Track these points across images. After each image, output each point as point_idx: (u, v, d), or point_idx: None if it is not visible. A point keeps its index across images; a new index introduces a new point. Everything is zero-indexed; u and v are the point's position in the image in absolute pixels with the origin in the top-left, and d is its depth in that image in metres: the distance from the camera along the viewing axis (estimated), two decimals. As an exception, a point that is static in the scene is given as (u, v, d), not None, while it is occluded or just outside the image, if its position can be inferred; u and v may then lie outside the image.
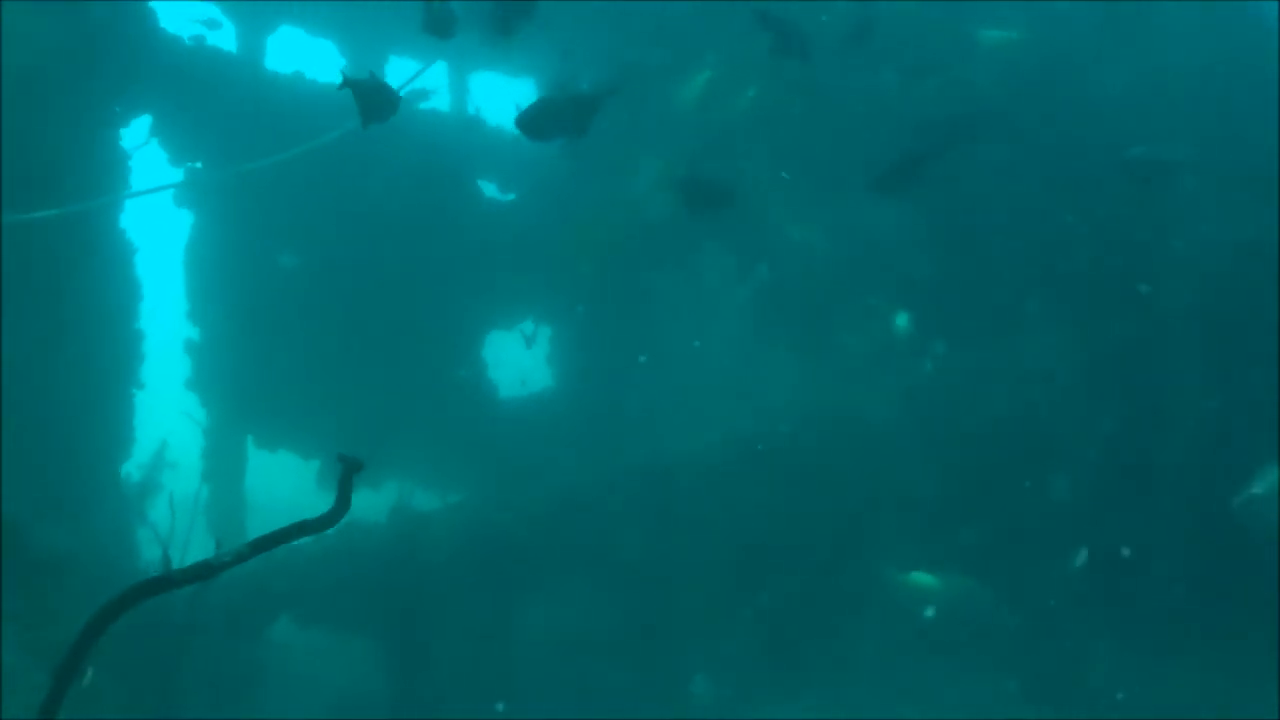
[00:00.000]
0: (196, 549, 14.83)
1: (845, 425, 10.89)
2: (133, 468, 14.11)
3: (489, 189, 13.73)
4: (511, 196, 14.11)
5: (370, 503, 15.42)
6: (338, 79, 7.96)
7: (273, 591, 10.28)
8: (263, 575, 9.94)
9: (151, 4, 12.26)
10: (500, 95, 15.02)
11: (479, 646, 10.56)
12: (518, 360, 15.32)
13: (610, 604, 10.74)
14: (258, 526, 17.67)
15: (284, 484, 19.44)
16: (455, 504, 11.37)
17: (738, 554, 10.65)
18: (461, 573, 10.43)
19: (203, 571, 3.12)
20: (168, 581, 3.10)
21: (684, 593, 10.57)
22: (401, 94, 8.30)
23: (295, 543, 11.00)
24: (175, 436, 14.95)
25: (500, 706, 10.18)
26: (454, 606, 10.44)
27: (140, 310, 12.82)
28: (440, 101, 14.92)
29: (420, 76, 12.75)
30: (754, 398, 12.41)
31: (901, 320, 12.26)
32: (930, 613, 10.25)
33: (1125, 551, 10.35)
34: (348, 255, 13.16)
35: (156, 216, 12.39)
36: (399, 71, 13.99)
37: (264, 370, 13.57)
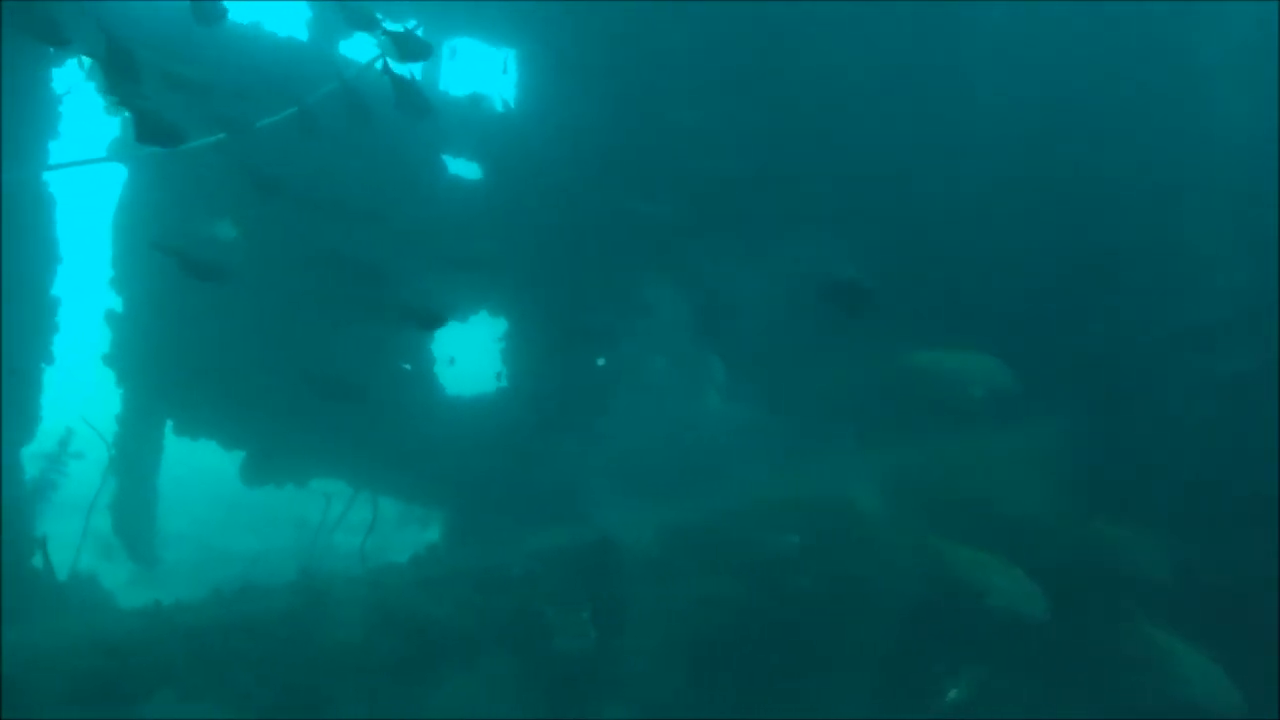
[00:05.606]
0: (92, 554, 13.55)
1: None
2: (34, 455, 12.87)
3: (455, 166, 12.77)
4: (479, 176, 13.14)
5: (294, 497, 14.31)
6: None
7: (153, 661, 8.98)
8: (144, 641, 8.77)
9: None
10: (479, 63, 14.13)
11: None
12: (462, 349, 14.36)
13: (536, 697, 9.74)
14: (172, 527, 16.13)
15: (201, 479, 18.14)
16: (369, 573, 10.31)
17: (687, 649, 9.82)
18: (370, 652, 9.36)
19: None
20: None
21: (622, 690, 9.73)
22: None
23: (185, 604, 9.53)
24: (84, 423, 13.69)
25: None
26: (359, 689, 9.35)
27: (57, 275, 11.83)
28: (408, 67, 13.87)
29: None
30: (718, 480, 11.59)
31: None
32: None
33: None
34: (295, 231, 12.06)
35: (83, 170, 11.27)
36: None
37: (192, 348, 12.39)
